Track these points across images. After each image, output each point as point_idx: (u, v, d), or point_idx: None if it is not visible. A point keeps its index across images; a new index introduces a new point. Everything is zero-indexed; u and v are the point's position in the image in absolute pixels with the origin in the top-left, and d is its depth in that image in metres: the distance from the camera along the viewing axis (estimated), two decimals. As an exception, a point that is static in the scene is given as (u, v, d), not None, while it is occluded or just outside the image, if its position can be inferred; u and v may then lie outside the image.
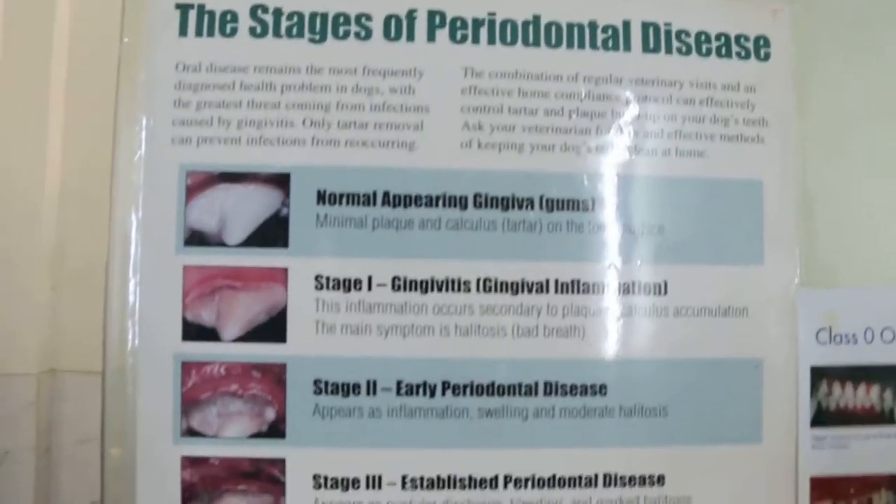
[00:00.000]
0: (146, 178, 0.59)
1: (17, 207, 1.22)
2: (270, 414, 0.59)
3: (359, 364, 0.59)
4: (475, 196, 0.59)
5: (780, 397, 0.62)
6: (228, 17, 0.60)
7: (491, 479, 0.59)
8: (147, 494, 0.59)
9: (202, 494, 0.59)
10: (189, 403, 0.59)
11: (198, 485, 0.59)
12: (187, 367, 0.59)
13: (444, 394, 0.58)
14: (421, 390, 0.58)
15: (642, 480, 0.60)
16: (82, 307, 1.18)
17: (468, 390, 0.59)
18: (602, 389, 0.60)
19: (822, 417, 0.62)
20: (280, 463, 0.59)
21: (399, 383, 0.58)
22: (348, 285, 0.58)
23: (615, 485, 0.60)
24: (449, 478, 0.59)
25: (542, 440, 0.59)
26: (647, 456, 0.60)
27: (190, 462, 0.59)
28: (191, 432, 0.59)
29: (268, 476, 0.59)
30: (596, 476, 0.60)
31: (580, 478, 0.60)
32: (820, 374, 0.62)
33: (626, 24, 0.61)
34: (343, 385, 0.58)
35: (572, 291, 0.59)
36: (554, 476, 0.60)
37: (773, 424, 0.61)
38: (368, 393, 0.58)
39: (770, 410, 0.62)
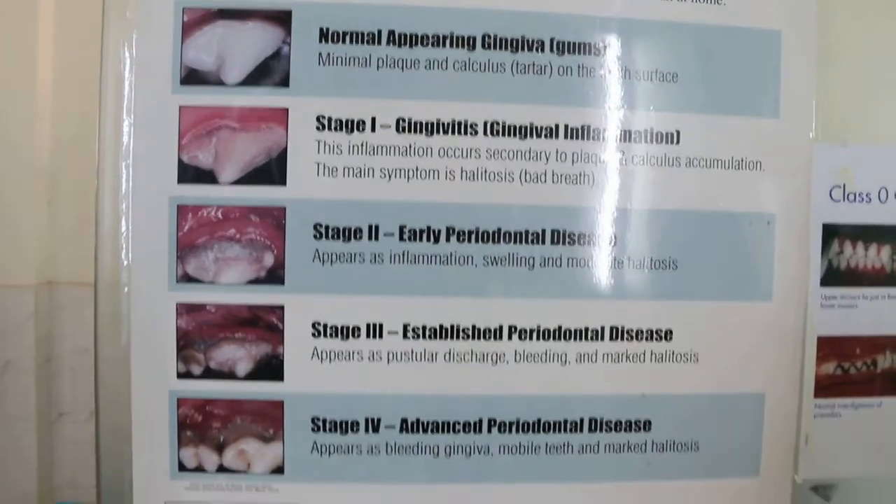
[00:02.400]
0: (140, 13, 0.53)
1: (9, 124, 1.15)
2: (269, 259, 0.53)
3: (361, 208, 0.53)
4: (483, 36, 0.54)
5: (791, 255, 0.57)
6: None
7: (495, 330, 0.54)
8: (141, 343, 0.55)
9: (198, 343, 0.54)
10: (185, 249, 0.54)
11: (194, 333, 0.54)
12: (183, 211, 0.53)
13: (448, 240, 0.53)
14: (424, 236, 0.53)
15: (649, 335, 0.55)
16: (78, 221, 1.13)
17: (473, 237, 0.53)
18: (611, 240, 0.53)
19: (833, 277, 0.57)
20: (279, 310, 0.53)
21: (402, 228, 0.53)
22: (351, 126, 0.53)
23: (622, 338, 0.55)
24: (452, 327, 0.54)
25: (549, 290, 0.54)
26: (655, 310, 0.56)
27: (186, 309, 0.54)
28: (186, 278, 0.54)
29: (266, 323, 0.54)
30: (602, 329, 0.55)
31: (586, 330, 0.55)
32: (832, 233, 0.57)
33: None
34: (344, 229, 0.53)
35: (582, 137, 0.54)
36: (559, 328, 0.54)
37: (783, 282, 0.57)
38: (370, 238, 0.53)
39: (781, 268, 0.57)
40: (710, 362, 0.59)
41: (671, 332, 0.58)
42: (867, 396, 0.61)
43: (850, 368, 0.61)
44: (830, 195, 0.59)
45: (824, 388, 0.61)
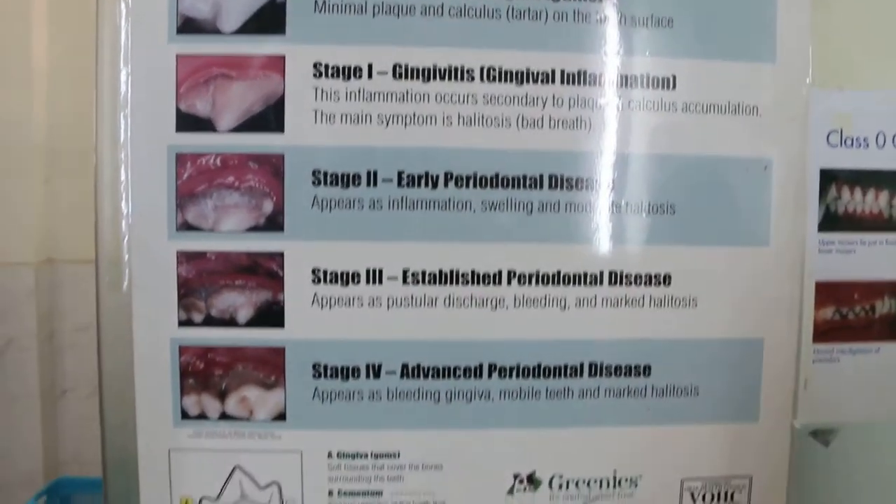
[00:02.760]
0: (135, -37, 0.53)
1: (6, 106, 1.15)
2: (268, 206, 0.53)
3: (359, 154, 0.53)
4: (479, -18, 0.53)
5: (789, 200, 0.57)
6: None
7: (494, 275, 0.54)
8: (143, 292, 0.55)
9: (199, 290, 0.54)
10: (184, 197, 0.54)
11: (194, 281, 0.54)
12: (182, 159, 0.53)
13: (446, 185, 0.53)
14: (423, 181, 0.53)
15: (648, 279, 0.55)
16: (76, 199, 1.13)
17: (471, 182, 0.53)
18: (609, 184, 0.53)
19: (830, 222, 0.57)
20: (278, 257, 0.53)
21: (400, 174, 0.53)
22: (348, 73, 0.53)
23: (620, 283, 0.55)
24: (451, 272, 0.54)
25: (547, 235, 0.54)
26: (653, 254, 0.56)
27: (186, 257, 0.54)
28: (186, 227, 0.53)
29: (266, 270, 0.54)
30: (601, 273, 0.55)
31: (585, 275, 0.55)
32: (829, 178, 0.57)
33: None
34: (343, 176, 0.53)
35: (579, 83, 0.54)
36: (558, 272, 0.54)
37: (780, 227, 0.57)
38: (369, 184, 0.53)
39: (778, 213, 0.57)
40: (709, 307, 0.59)
41: (669, 276, 0.58)
42: (865, 342, 0.61)
43: (848, 313, 0.61)
44: (828, 140, 0.59)
45: (823, 333, 0.61)
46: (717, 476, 0.62)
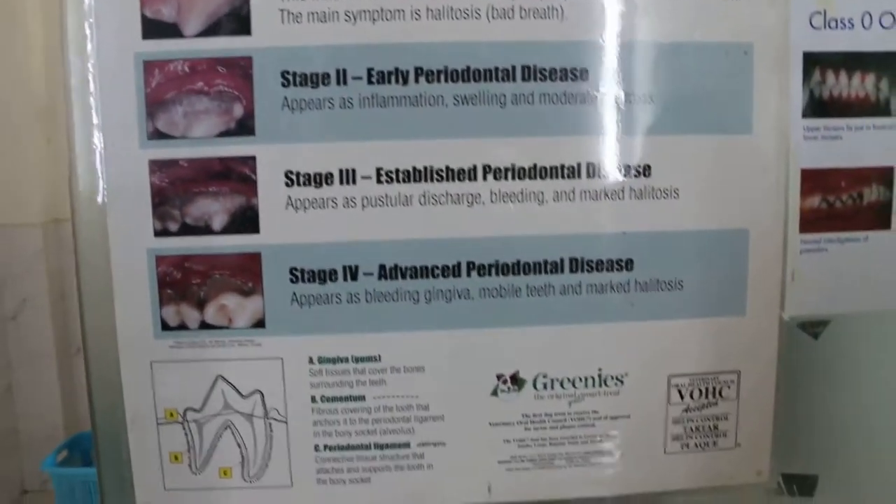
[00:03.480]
0: None
1: (7, 70, 1.14)
2: (238, 110, 0.52)
3: (327, 52, 0.52)
4: None
5: (771, 86, 0.55)
6: None
7: (469, 170, 0.52)
8: (118, 203, 0.52)
9: (173, 199, 0.53)
10: (154, 105, 0.53)
11: (168, 189, 0.53)
12: (149, 67, 0.52)
13: (417, 80, 0.51)
14: (393, 78, 0.51)
15: (627, 170, 0.53)
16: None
17: (442, 76, 0.51)
18: (584, 74, 0.51)
19: (815, 108, 0.55)
20: (251, 161, 0.52)
21: (370, 71, 0.51)
22: (313, -31, 0.50)
23: (599, 175, 0.52)
24: (425, 169, 0.52)
25: (522, 128, 0.53)
26: (632, 145, 0.53)
27: (158, 166, 0.52)
28: (157, 135, 0.52)
29: (239, 175, 0.52)
30: (578, 165, 0.53)
31: (562, 167, 0.53)
32: (813, 62, 0.54)
33: None
34: (312, 75, 0.52)
35: (549, -31, 0.51)
36: (535, 166, 0.52)
37: (763, 114, 0.54)
38: (338, 82, 0.51)
39: (760, 99, 0.54)
40: (691, 198, 0.57)
41: (649, 167, 0.56)
42: (853, 230, 0.59)
43: (835, 202, 0.58)
44: (810, 22, 0.57)
45: (810, 222, 0.58)
46: (705, 372, 0.60)
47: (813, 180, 0.59)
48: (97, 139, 0.57)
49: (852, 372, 0.62)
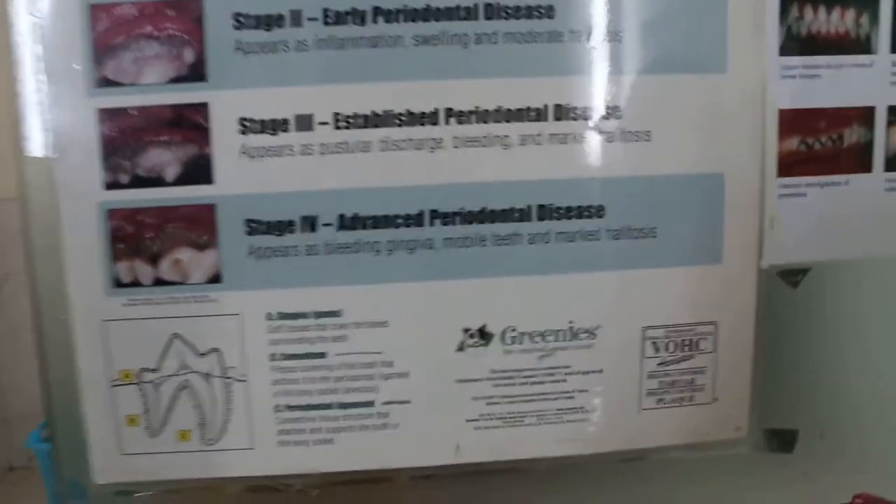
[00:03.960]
0: None
1: None
2: (189, 55, 0.49)
3: None
4: None
5: (745, 21, 0.54)
6: None
7: (430, 113, 0.50)
8: (65, 155, 0.50)
9: (123, 149, 0.50)
10: (101, 51, 0.50)
11: (118, 139, 0.51)
12: (95, 11, 0.49)
13: (375, 20, 0.49)
14: (350, 18, 0.49)
15: (597, 112, 0.49)
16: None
17: (402, 16, 0.50)
18: (549, 10, 0.49)
19: (792, 45, 0.52)
20: (203, 108, 0.49)
21: (326, 11, 0.50)
22: None
23: (566, 118, 0.50)
24: (385, 113, 0.49)
25: (486, 69, 0.50)
26: (601, 85, 0.49)
27: (107, 114, 0.49)
28: (106, 82, 0.49)
29: (191, 123, 0.49)
30: (545, 108, 0.50)
31: (528, 109, 0.50)
32: (789, -3, 0.51)
33: None
34: (265, 16, 0.49)
35: None
36: (499, 108, 0.50)
37: (738, 52, 0.52)
38: (293, 24, 0.49)
39: (735, 37, 0.53)
40: (663, 141, 0.54)
41: (619, 108, 0.54)
42: (834, 174, 0.56)
43: (814, 144, 0.56)
44: (786, -45, 0.53)
45: (788, 165, 0.56)
46: (681, 324, 0.58)
47: (791, 121, 0.57)
48: (43, 89, 0.54)
49: (833, 322, 0.59)
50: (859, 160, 0.58)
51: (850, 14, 0.56)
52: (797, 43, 0.56)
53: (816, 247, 0.59)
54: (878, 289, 0.60)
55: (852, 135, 0.58)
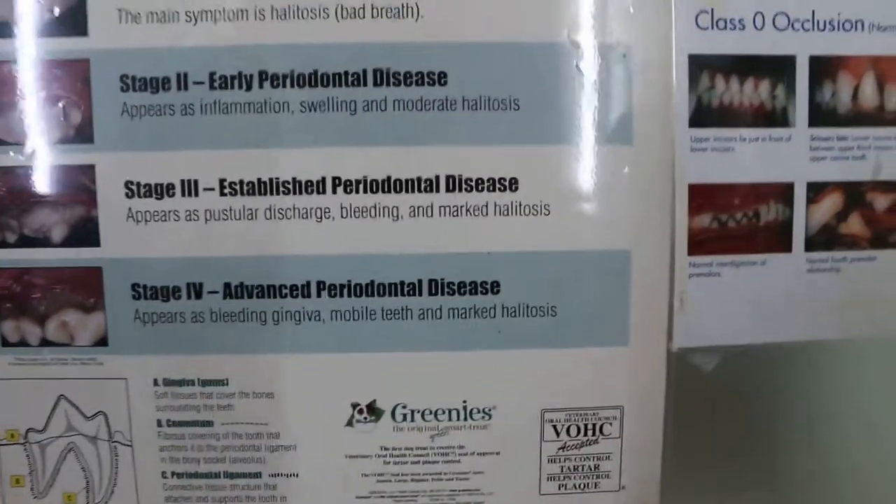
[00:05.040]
0: None
1: None
2: (76, 117, 0.47)
3: (168, 55, 0.48)
4: None
5: (653, 92, 0.49)
6: None
7: (318, 182, 0.48)
8: None
9: (10, 208, 0.49)
10: None
11: (5, 198, 0.49)
12: None
13: (261, 86, 0.47)
14: (236, 82, 0.46)
15: (491, 184, 0.48)
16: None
17: (288, 81, 0.47)
18: (441, 78, 0.47)
19: (703, 116, 0.49)
20: (89, 170, 0.47)
21: (212, 76, 0.48)
22: (151, -33, 0.46)
23: (460, 189, 0.47)
24: (271, 181, 0.48)
25: (374, 137, 0.48)
26: (496, 155, 0.48)
27: None
28: None
29: (78, 184, 0.48)
30: (437, 178, 0.48)
31: (419, 180, 0.47)
32: (700, 65, 0.48)
33: None
34: (152, 80, 0.47)
35: (402, -35, 0.47)
36: (388, 178, 0.48)
37: (644, 123, 0.49)
38: (180, 88, 0.46)
39: (641, 107, 0.49)
40: (564, 215, 0.52)
41: (516, 180, 0.51)
42: (750, 253, 0.53)
43: (728, 221, 0.52)
44: (696, 22, 0.51)
45: (699, 243, 0.53)
46: (583, 407, 0.55)
47: (702, 196, 0.53)
48: (-64, 145, 0.53)
49: (749, 408, 0.55)
50: (777, 239, 0.55)
51: (765, 85, 0.53)
52: (709, 114, 0.53)
53: (731, 329, 0.55)
54: (797, 374, 0.56)
55: (769, 212, 0.54)
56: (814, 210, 0.55)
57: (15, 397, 0.56)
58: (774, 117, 0.54)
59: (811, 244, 0.55)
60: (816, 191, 0.55)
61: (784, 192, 0.55)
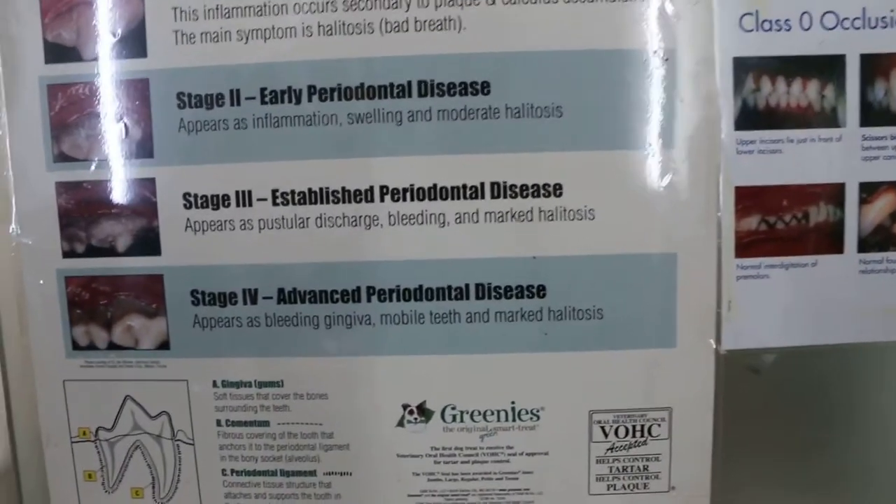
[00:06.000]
0: None
1: None
2: (137, 133, 0.50)
3: (220, 73, 0.51)
4: None
5: (698, 94, 0.50)
6: None
7: (366, 191, 0.50)
8: (27, 226, 0.52)
9: (79, 220, 0.53)
10: (58, 128, 0.51)
11: (74, 211, 0.53)
12: (52, 90, 0.51)
13: (310, 99, 0.50)
14: (286, 96, 0.49)
15: (536, 190, 0.50)
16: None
17: (336, 94, 0.50)
18: (485, 87, 0.49)
19: (749, 119, 0.49)
20: (150, 182, 0.50)
21: (263, 91, 0.50)
22: (205, -13, 0.49)
23: (505, 195, 0.49)
24: (321, 190, 0.50)
25: (420, 147, 0.50)
26: (540, 162, 0.50)
27: (64, 188, 0.52)
28: (63, 157, 0.51)
29: (140, 197, 0.51)
30: (482, 185, 0.50)
31: (464, 187, 0.49)
32: (745, 68, 0.49)
33: None
34: (206, 96, 0.50)
35: (444, -23, 0.48)
36: (435, 186, 0.50)
37: (689, 126, 0.51)
38: (232, 103, 0.50)
39: (686, 110, 0.50)
40: (609, 219, 0.53)
41: (560, 186, 0.52)
42: (800, 255, 0.53)
43: (776, 223, 0.53)
44: (741, 24, 0.52)
45: (747, 245, 0.53)
46: (631, 409, 0.56)
47: (750, 199, 0.54)
48: (9, 164, 0.57)
49: (799, 412, 0.56)
50: (829, 240, 0.55)
51: (813, 85, 0.53)
52: (755, 116, 0.53)
53: (781, 331, 0.55)
54: (849, 377, 0.56)
55: (820, 213, 0.54)
56: (867, 210, 0.55)
57: (86, 398, 0.60)
58: (823, 118, 0.54)
59: (864, 245, 0.55)
60: (869, 191, 0.55)
61: (835, 193, 0.55)
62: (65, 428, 0.61)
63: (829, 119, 0.54)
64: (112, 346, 0.59)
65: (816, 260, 0.55)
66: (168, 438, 0.60)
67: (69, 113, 0.58)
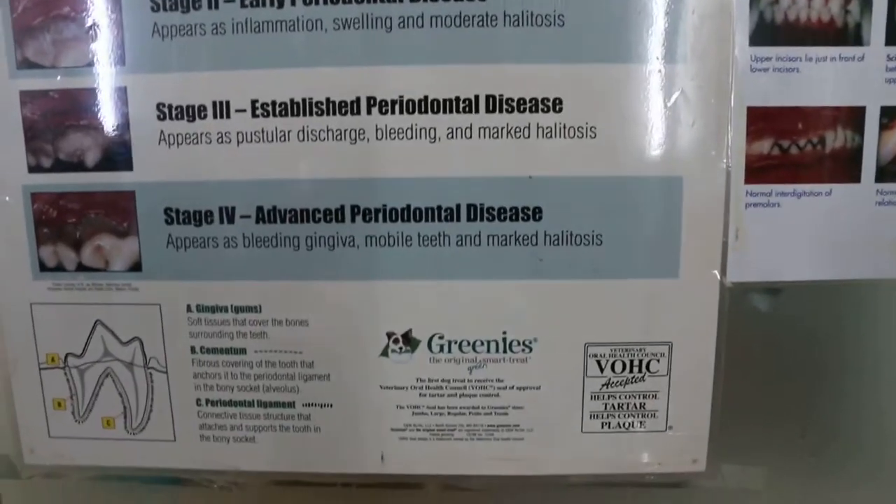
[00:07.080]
0: None
1: None
2: (107, 38, 0.46)
3: None
4: None
5: (710, 5, 0.45)
6: None
7: (352, 103, 0.46)
8: None
9: (46, 132, 0.49)
10: (21, 32, 0.47)
11: (40, 122, 0.49)
12: None
13: (293, 3, 0.48)
14: (267, 0, 0.45)
15: (534, 104, 0.46)
16: None
17: None
18: None
19: (765, 34, 0.46)
20: (121, 91, 0.47)
21: None
22: None
23: (500, 109, 0.46)
24: (304, 101, 0.47)
25: (411, 55, 0.46)
26: (539, 74, 0.47)
27: (29, 97, 0.48)
28: (27, 64, 0.47)
29: (111, 107, 0.47)
30: (476, 98, 0.46)
31: (457, 100, 0.46)
32: (763, -24, 0.45)
33: None
34: (183, 0, 0.46)
35: None
36: (426, 98, 0.46)
37: (699, 39, 0.48)
38: (210, 6, 0.46)
39: (696, 22, 0.48)
40: (611, 139, 0.50)
41: (560, 101, 0.49)
42: (814, 183, 0.50)
43: (790, 147, 0.49)
44: (760, -71, 0.47)
45: (758, 171, 0.50)
46: (629, 342, 0.53)
47: (763, 121, 0.51)
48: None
49: (808, 349, 0.53)
50: (845, 168, 0.52)
51: (837, -1, 0.50)
52: (772, 31, 0.50)
53: (791, 264, 0.52)
54: (862, 313, 0.53)
55: (836, 139, 0.51)
56: (887, 137, 0.52)
57: (54, 322, 0.58)
58: (846, 35, 0.51)
59: (883, 174, 0.52)
60: (891, 116, 0.52)
61: (854, 117, 0.51)
62: (32, 353, 0.58)
63: (852, 36, 0.51)
64: (81, 268, 0.57)
65: (831, 189, 0.52)
66: (140, 366, 0.58)
67: (33, 15, 0.54)
